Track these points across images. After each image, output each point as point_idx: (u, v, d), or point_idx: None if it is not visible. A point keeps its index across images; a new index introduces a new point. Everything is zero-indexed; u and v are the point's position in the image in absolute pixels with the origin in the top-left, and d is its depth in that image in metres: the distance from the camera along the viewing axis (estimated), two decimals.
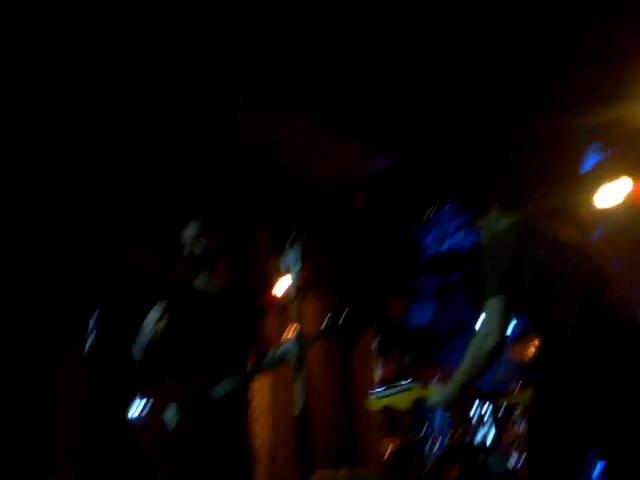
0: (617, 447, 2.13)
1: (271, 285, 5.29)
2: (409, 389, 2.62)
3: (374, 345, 5.66)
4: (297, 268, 2.05)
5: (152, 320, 2.79)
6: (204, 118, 4.32)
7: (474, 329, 6.57)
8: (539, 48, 4.03)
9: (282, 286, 5.37)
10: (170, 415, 2.65)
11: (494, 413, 4.42)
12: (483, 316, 2.48)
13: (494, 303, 2.41)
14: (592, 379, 2.17)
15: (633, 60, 4.08)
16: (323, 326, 2.76)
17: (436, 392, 2.59)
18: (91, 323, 2.94)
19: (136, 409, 2.76)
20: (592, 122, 4.59)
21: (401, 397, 2.62)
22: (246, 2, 3.42)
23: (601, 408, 2.14)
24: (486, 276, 2.48)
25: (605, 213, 4.92)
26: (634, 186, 4.89)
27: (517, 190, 2.77)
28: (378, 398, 2.67)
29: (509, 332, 5.83)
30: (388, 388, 2.65)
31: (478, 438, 4.28)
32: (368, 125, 4.56)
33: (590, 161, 5.18)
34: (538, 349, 2.53)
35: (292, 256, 2.07)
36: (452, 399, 2.53)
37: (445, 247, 6.64)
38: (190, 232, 2.96)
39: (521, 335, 5.80)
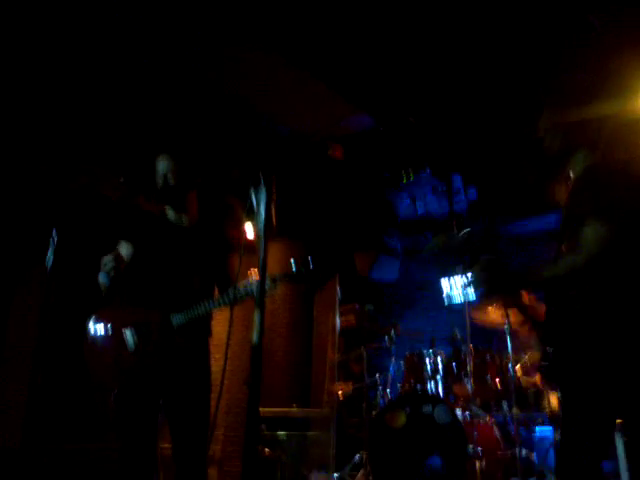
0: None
1: (239, 224, 5.29)
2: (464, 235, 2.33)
3: (337, 294, 5.74)
4: (265, 210, 2.03)
5: (121, 245, 2.76)
6: (186, 58, 4.22)
7: (437, 291, 6.74)
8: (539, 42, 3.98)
9: (250, 226, 5.39)
10: (129, 338, 2.66)
11: (446, 366, 4.56)
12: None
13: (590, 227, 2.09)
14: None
15: (631, 57, 4.07)
16: (290, 269, 2.78)
17: (486, 269, 2.28)
18: (53, 243, 2.88)
19: (94, 331, 2.76)
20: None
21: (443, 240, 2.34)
22: None
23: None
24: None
25: None
26: None
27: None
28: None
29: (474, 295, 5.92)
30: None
31: (429, 388, 4.43)
32: (353, 82, 4.52)
33: None
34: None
35: (260, 197, 2.04)
36: (501, 287, 2.31)
37: (419, 210, 6.70)
38: (163, 164, 2.92)
39: (481, 299, 5.96)
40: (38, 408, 4.60)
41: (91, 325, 2.76)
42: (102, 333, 2.74)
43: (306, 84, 4.43)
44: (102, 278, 2.75)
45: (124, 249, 2.82)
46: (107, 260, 2.71)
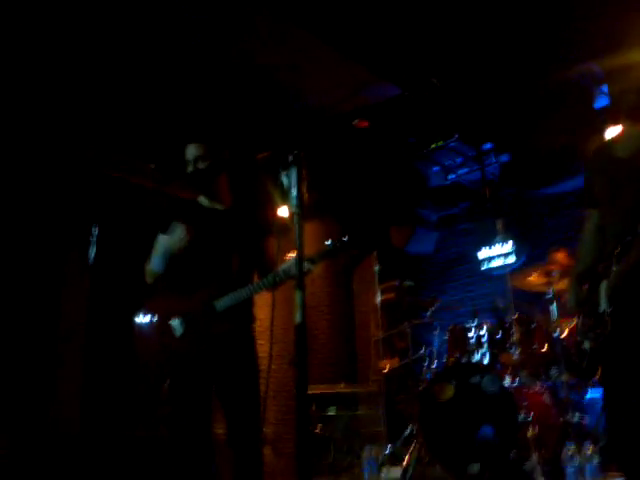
0: None
1: (274, 206, 5.31)
2: None
3: (375, 271, 5.72)
4: (296, 190, 2.02)
5: (167, 236, 2.79)
6: (209, 37, 4.20)
7: (475, 261, 6.64)
8: None
9: (285, 207, 5.40)
10: (176, 328, 2.70)
11: (491, 336, 4.50)
12: None
13: None
14: None
15: None
16: (326, 246, 2.77)
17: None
18: (94, 235, 2.93)
19: (141, 321, 2.80)
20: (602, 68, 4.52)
21: None
22: None
23: None
24: None
25: None
26: None
27: None
28: None
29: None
30: None
31: (474, 359, 4.38)
32: (375, 50, 4.43)
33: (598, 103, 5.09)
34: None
35: (291, 178, 2.04)
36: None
37: (450, 179, 6.60)
38: (193, 150, 2.93)
39: (522, 266, 5.86)
40: (93, 396, 4.73)
41: (140, 317, 2.80)
42: (150, 324, 2.78)
43: (327, 55, 4.36)
44: (152, 265, 2.78)
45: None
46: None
